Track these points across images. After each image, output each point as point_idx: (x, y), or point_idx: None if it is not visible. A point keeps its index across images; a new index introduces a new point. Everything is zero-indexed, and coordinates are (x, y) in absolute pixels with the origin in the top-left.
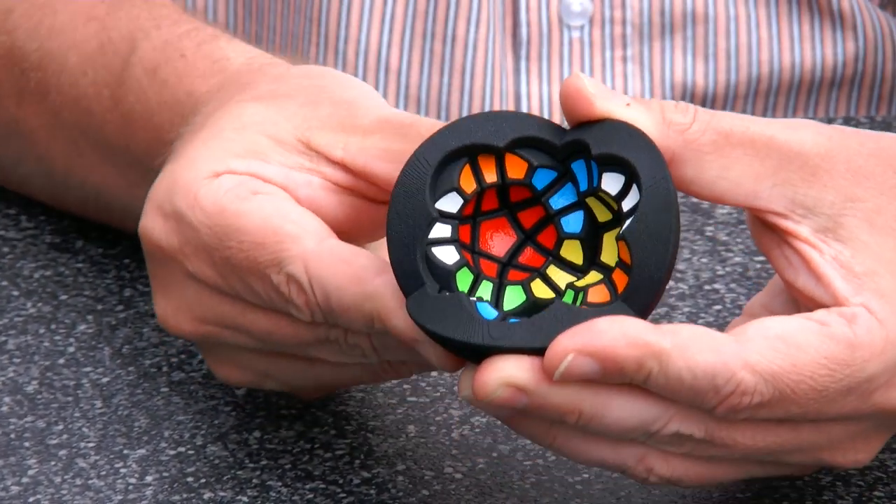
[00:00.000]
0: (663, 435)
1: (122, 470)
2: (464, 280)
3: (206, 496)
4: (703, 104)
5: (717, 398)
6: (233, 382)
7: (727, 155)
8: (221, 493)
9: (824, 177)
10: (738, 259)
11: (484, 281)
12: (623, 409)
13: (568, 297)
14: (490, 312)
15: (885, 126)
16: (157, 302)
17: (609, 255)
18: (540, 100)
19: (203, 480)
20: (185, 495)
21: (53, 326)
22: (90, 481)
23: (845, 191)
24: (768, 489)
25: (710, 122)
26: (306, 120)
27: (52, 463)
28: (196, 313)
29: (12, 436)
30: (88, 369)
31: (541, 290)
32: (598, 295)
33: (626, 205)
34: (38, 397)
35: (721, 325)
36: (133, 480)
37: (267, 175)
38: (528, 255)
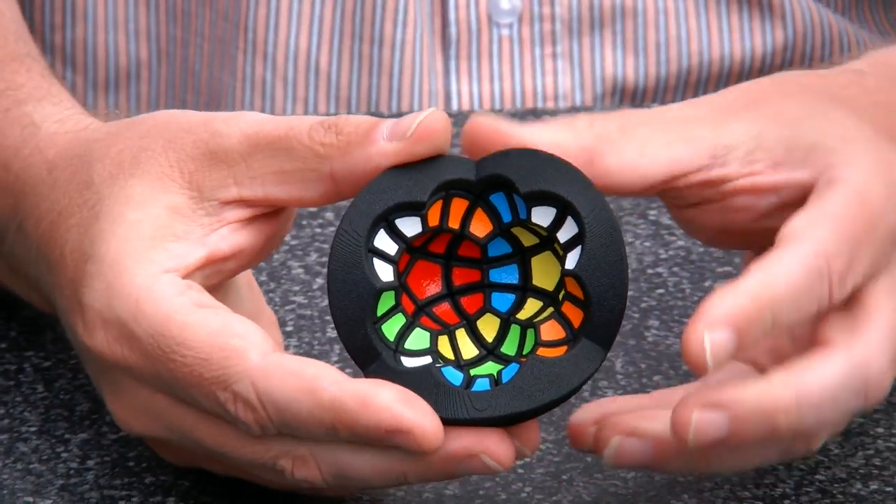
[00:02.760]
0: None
1: (64, 454)
2: (385, 303)
3: (147, 480)
4: (634, 98)
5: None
6: (171, 462)
7: (637, 135)
8: (163, 477)
9: (728, 116)
10: (680, 243)
11: (399, 314)
12: None
13: (514, 335)
14: (455, 376)
15: None
16: (109, 403)
17: (543, 279)
18: (470, 98)
19: (144, 464)
20: (126, 479)
21: None
22: (31, 465)
23: (748, 117)
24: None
25: (609, 116)
26: (180, 165)
27: None
28: (148, 417)
29: None
30: (30, 353)
31: (445, 348)
32: (552, 332)
33: (563, 236)
34: None
35: (663, 309)
36: (74, 465)
37: (190, 261)
38: (444, 309)
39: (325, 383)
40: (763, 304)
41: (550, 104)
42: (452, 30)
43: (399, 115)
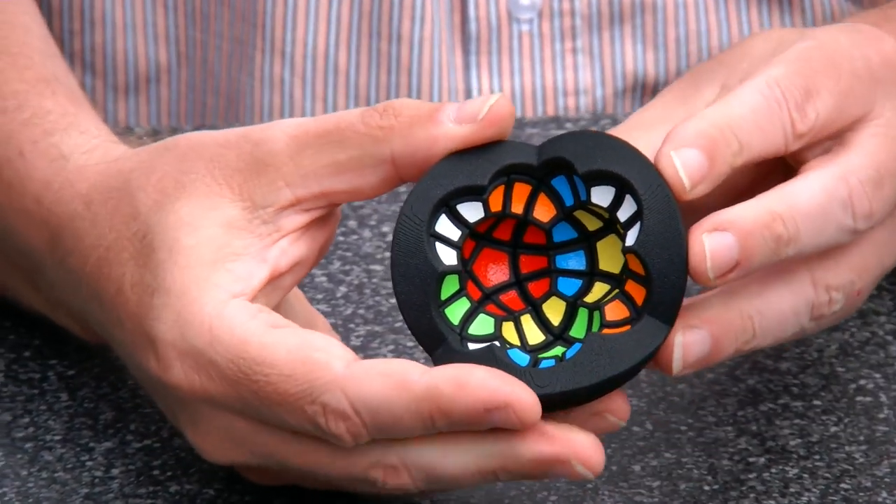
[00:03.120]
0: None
1: (89, 463)
2: (449, 287)
3: (172, 489)
4: (654, 93)
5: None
6: (256, 482)
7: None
8: (188, 486)
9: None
10: None
11: (463, 298)
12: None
13: (582, 318)
14: (521, 357)
15: None
16: (189, 435)
17: (608, 263)
18: (491, 94)
19: (169, 473)
20: (151, 488)
21: (18, 319)
22: (56, 474)
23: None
24: (736, 481)
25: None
26: (227, 180)
27: (18, 456)
28: (233, 443)
29: None
30: (54, 362)
31: (510, 333)
32: (616, 311)
33: (622, 215)
34: (3, 390)
35: None
36: (99, 473)
37: (255, 283)
38: (510, 297)
39: (415, 376)
40: (724, 126)
41: (571, 99)
42: (472, 26)
43: None
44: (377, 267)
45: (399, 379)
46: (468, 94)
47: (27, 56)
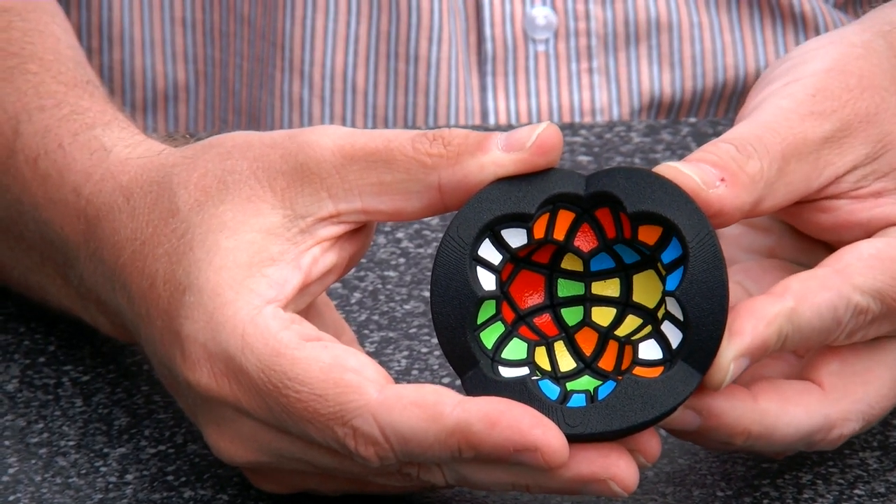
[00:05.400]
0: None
1: (103, 468)
2: (486, 311)
3: (186, 495)
4: (670, 112)
5: (839, 329)
6: (270, 491)
7: (785, 169)
8: (202, 492)
9: (844, 139)
10: None
11: (497, 322)
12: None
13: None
14: (551, 389)
15: None
16: (209, 434)
17: (643, 296)
18: (507, 114)
19: (183, 479)
20: (165, 494)
21: (33, 325)
22: (70, 480)
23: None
24: (749, 487)
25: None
26: (271, 183)
27: (33, 461)
28: (253, 446)
29: None
30: (69, 367)
31: (542, 359)
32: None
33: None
34: (18, 395)
35: None
36: (113, 479)
37: (288, 290)
38: (544, 321)
39: (448, 408)
40: (784, 334)
41: (588, 119)
42: (488, 46)
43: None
44: (391, 273)
45: (431, 411)
46: (484, 115)
47: (61, 62)
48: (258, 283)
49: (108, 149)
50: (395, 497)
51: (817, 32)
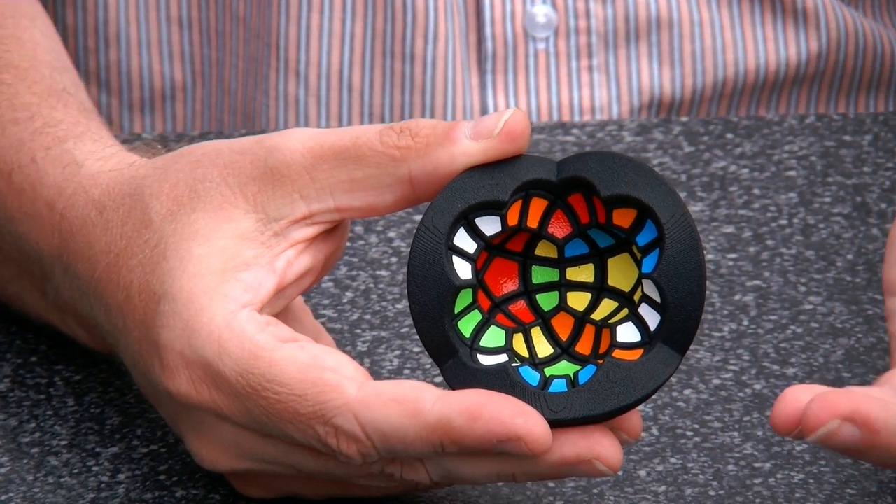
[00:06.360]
0: None
1: (95, 468)
2: (462, 300)
3: (178, 494)
4: (670, 110)
5: None
6: (256, 496)
7: None
8: (194, 491)
9: None
10: (710, 256)
11: (475, 311)
12: None
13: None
14: (531, 375)
15: (857, 123)
16: (191, 442)
17: (618, 280)
18: None
19: (175, 478)
20: (157, 493)
21: (25, 324)
22: (62, 479)
23: None
24: (742, 486)
25: None
26: (242, 189)
27: (24, 461)
28: (235, 452)
29: None
30: (60, 367)
31: (520, 346)
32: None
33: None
34: (9, 395)
35: None
36: (105, 478)
37: (263, 293)
38: (520, 307)
39: (428, 404)
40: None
41: (588, 117)
42: (488, 45)
43: None
44: (383, 272)
45: (412, 407)
46: (484, 113)
47: (36, 70)
48: (232, 288)
49: (79, 162)
50: (379, 500)
51: (818, 30)
